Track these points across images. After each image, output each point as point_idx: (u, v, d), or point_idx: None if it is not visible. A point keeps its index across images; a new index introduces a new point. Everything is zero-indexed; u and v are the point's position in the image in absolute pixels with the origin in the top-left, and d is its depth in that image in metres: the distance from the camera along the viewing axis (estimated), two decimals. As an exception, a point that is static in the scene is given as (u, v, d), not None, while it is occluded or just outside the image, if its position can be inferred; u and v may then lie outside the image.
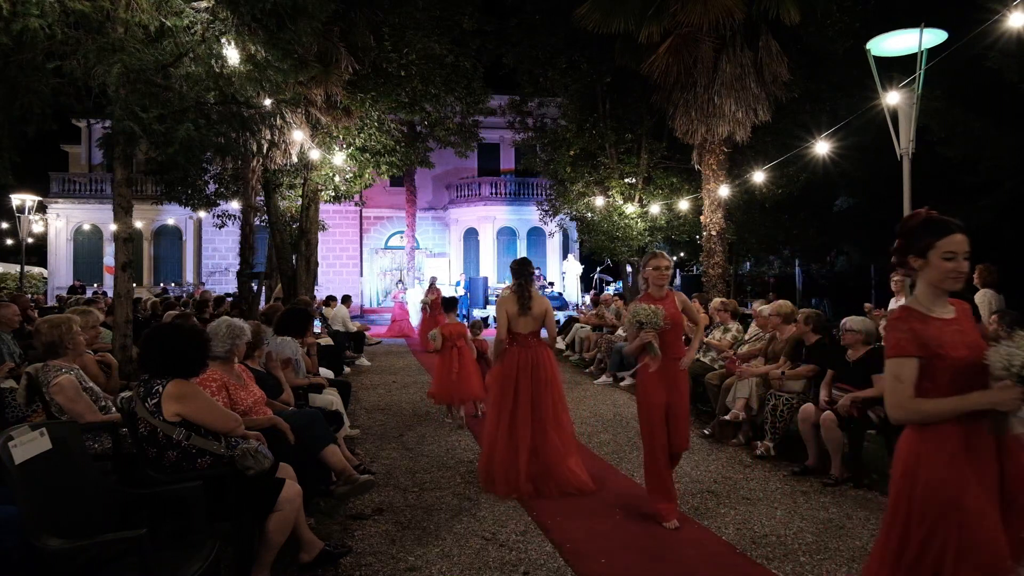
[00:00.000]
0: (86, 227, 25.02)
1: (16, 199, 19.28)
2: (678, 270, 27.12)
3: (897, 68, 6.93)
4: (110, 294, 11.45)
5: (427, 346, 9.02)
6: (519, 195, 25.84)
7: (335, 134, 12.94)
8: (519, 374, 4.83)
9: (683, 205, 14.86)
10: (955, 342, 2.01)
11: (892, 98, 6.23)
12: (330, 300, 13.00)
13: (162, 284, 24.66)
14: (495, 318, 5.25)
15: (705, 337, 7.46)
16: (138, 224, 22.34)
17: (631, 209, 15.82)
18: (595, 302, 13.71)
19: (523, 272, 4.97)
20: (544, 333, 5.05)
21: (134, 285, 6.92)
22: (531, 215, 23.51)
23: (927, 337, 2.00)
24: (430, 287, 16.13)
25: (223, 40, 5.91)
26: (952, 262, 2.03)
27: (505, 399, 4.83)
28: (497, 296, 20.69)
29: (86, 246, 25.03)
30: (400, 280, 21.29)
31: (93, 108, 6.25)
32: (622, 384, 9.16)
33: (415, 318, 17.28)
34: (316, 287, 14.95)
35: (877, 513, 4.19)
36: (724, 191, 11.80)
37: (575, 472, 4.70)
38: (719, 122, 10.96)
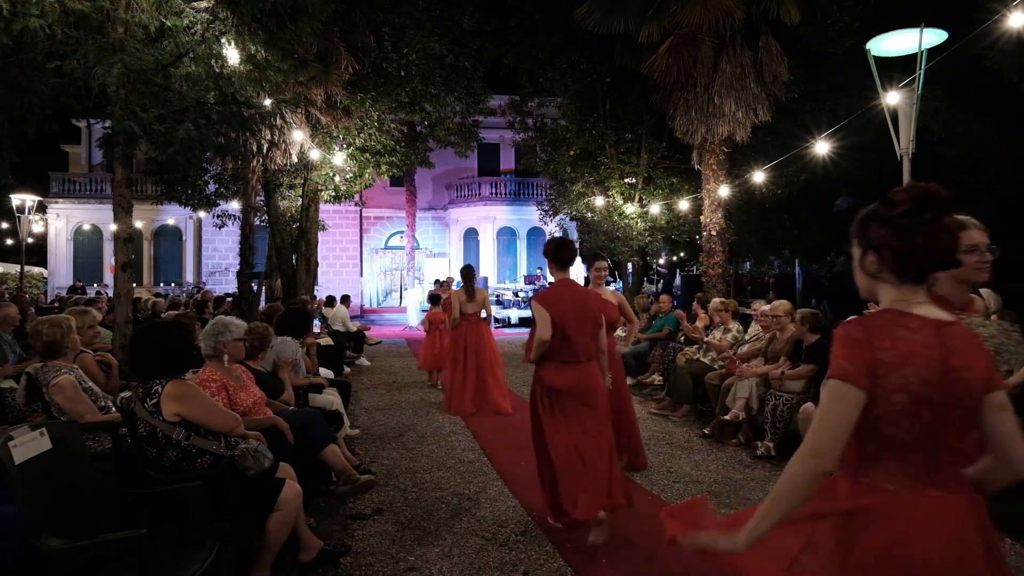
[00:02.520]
0: (86, 227, 25.01)
1: (16, 199, 19.27)
2: (678, 270, 27.14)
3: (897, 68, 6.93)
4: (111, 293, 11.45)
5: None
6: (519, 195, 25.84)
7: (335, 134, 12.93)
8: (466, 340, 7.54)
9: (683, 205, 14.85)
10: None
11: (892, 98, 6.23)
12: (331, 300, 13.01)
13: (162, 284, 24.66)
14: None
15: (705, 337, 7.48)
16: (138, 224, 22.34)
17: (631, 209, 15.81)
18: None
19: (468, 275, 7.75)
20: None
21: (134, 285, 6.92)
22: (531, 215, 23.51)
23: None
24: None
25: (223, 40, 5.90)
26: None
27: (457, 355, 7.54)
28: (497, 295, 20.76)
29: (86, 246, 25.02)
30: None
31: (93, 108, 6.25)
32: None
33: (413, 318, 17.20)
34: (316, 287, 14.94)
35: (877, 513, 4.19)
36: (724, 191, 11.79)
37: (499, 401, 7.31)
38: (719, 122, 10.95)
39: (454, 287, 13.43)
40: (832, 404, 1.48)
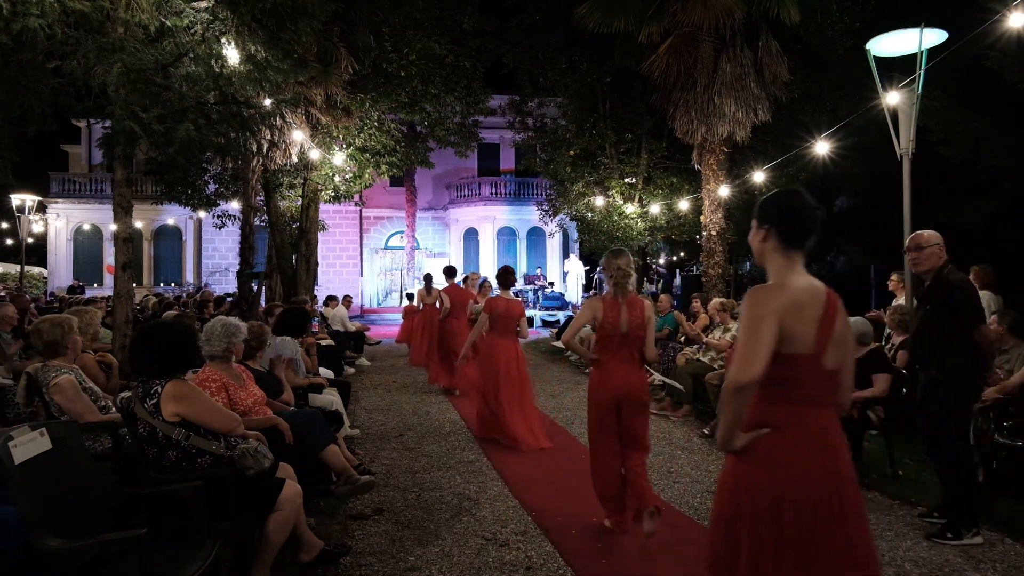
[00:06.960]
0: (86, 227, 25.01)
1: (16, 199, 19.29)
2: (678, 270, 27.13)
3: (897, 68, 6.92)
4: (105, 293, 11.35)
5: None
6: (519, 195, 25.83)
7: (335, 134, 12.93)
8: (423, 321, 10.87)
9: (683, 205, 14.85)
10: None
11: (892, 98, 6.22)
12: (330, 300, 13.01)
13: (161, 284, 24.65)
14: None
15: (705, 337, 7.48)
16: (138, 224, 22.34)
17: (631, 209, 15.81)
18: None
19: (427, 280, 11.28)
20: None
21: (134, 285, 6.93)
22: (531, 215, 23.51)
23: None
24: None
25: (223, 40, 5.91)
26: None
27: (416, 330, 11.27)
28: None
29: (86, 246, 25.02)
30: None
31: (93, 108, 6.24)
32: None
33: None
34: (316, 287, 14.94)
35: (877, 513, 4.19)
36: (724, 191, 11.78)
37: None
38: (719, 122, 10.94)
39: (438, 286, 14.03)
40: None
